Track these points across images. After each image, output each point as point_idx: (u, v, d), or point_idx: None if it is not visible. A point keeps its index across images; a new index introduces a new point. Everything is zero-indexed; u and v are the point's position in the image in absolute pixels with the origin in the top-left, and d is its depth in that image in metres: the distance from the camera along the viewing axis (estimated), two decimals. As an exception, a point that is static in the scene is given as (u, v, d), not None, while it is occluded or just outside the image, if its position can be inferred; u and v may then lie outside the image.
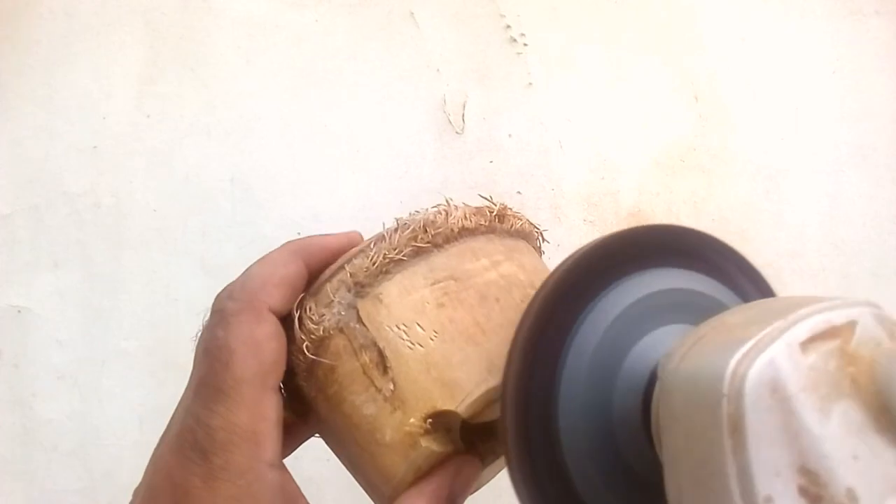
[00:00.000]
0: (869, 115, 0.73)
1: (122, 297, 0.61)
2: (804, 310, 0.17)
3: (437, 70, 0.68)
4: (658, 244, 0.25)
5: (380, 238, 0.27)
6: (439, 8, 0.69)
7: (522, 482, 0.23)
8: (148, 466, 0.25)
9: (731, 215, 0.69)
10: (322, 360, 0.27)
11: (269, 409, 0.25)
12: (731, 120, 0.72)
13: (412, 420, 0.25)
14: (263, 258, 0.27)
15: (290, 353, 0.27)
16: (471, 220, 0.28)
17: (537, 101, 0.69)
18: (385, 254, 0.27)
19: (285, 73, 0.67)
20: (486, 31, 0.70)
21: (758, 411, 0.16)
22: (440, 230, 0.28)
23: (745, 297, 0.26)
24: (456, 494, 0.26)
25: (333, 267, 0.27)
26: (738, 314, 0.20)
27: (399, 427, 0.25)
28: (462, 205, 0.29)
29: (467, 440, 0.28)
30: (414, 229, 0.27)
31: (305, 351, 0.27)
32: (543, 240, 0.33)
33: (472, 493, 0.31)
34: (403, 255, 0.27)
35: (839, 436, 0.16)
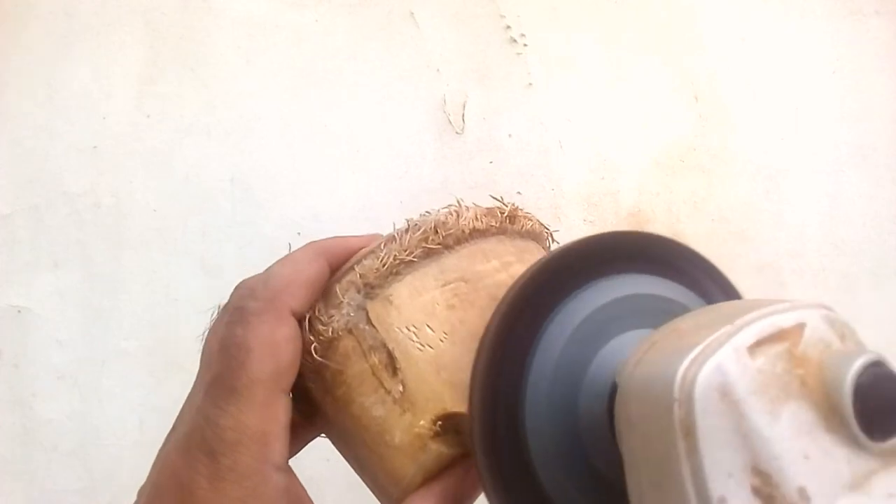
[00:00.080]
0: (869, 115, 0.73)
1: (122, 297, 0.61)
2: (752, 314, 0.18)
3: (437, 70, 0.68)
4: (625, 250, 0.26)
5: (390, 239, 0.27)
6: (439, 8, 0.69)
7: (490, 482, 0.23)
8: (153, 465, 0.25)
9: (731, 215, 0.69)
10: (330, 363, 0.27)
11: (280, 412, 0.24)
12: (731, 120, 0.72)
13: (422, 422, 0.25)
14: (287, 257, 0.27)
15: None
16: (482, 222, 0.28)
17: (537, 101, 0.69)
18: (395, 255, 0.27)
19: (285, 73, 0.67)
20: (486, 31, 0.70)
21: (708, 415, 0.16)
22: (451, 231, 0.27)
23: (710, 299, 0.26)
24: (465, 495, 0.26)
25: (344, 268, 0.27)
26: (690, 319, 0.20)
27: (408, 429, 0.25)
28: (473, 205, 0.29)
29: None
30: (425, 230, 0.27)
31: (313, 352, 0.27)
32: (553, 240, 0.33)
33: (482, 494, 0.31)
34: (414, 257, 0.27)
35: (789, 436, 0.16)
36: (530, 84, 0.70)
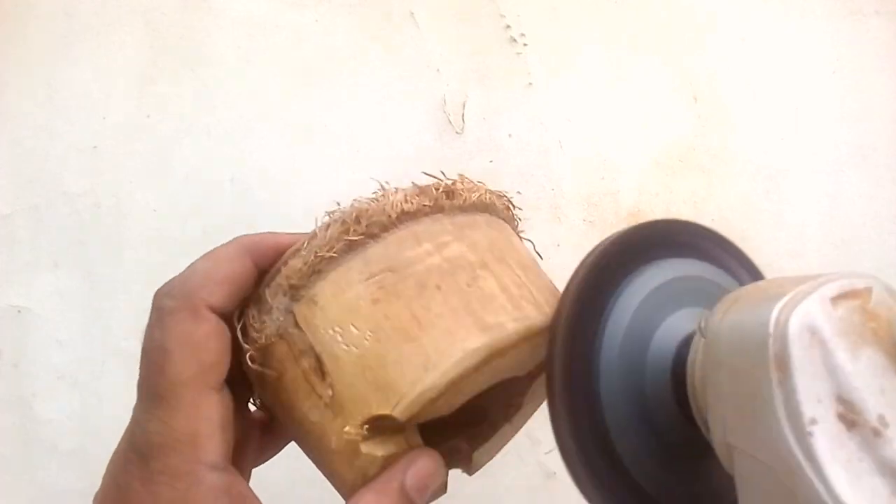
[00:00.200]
0: (869, 115, 0.73)
1: (122, 297, 0.61)
2: (829, 275, 0.21)
3: (437, 70, 0.68)
4: (664, 238, 0.28)
5: (312, 236, 0.26)
6: (439, 8, 0.69)
7: (579, 461, 0.24)
8: (104, 471, 0.25)
9: (731, 215, 0.69)
10: (267, 370, 0.26)
11: (210, 411, 0.24)
12: (731, 120, 0.72)
13: (347, 428, 0.24)
14: (209, 253, 0.27)
15: (242, 362, 0.26)
16: (411, 203, 0.26)
17: (537, 101, 0.69)
18: (316, 252, 0.25)
19: (285, 73, 0.67)
20: (486, 31, 0.70)
21: (801, 349, 0.19)
22: (374, 219, 0.26)
23: (740, 280, 0.30)
24: (411, 487, 0.25)
25: (272, 271, 0.26)
26: (770, 282, 0.24)
27: (341, 434, 0.25)
28: (411, 185, 0.27)
29: (430, 436, 0.27)
30: (345, 222, 0.26)
31: (250, 361, 0.26)
32: (513, 206, 0.31)
33: (473, 474, 0.31)
34: (335, 252, 0.25)
35: (868, 374, 0.19)
36: (530, 84, 0.70)
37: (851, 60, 0.74)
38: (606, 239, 0.27)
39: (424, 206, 0.27)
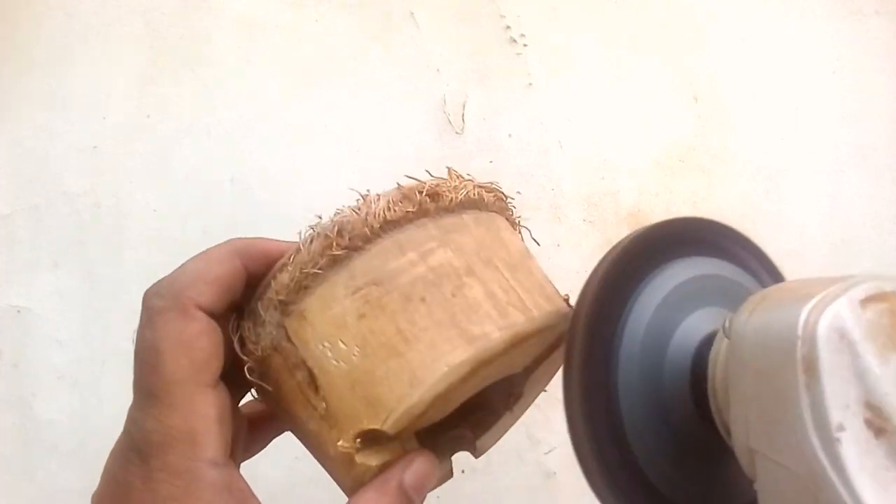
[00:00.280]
0: (869, 115, 0.73)
1: (122, 297, 0.61)
2: (857, 277, 0.20)
3: (437, 70, 0.68)
4: (683, 236, 0.28)
5: (297, 250, 0.26)
6: (439, 8, 0.69)
7: (594, 462, 0.24)
8: (103, 469, 0.25)
9: (731, 215, 0.69)
10: (265, 381, 0.26)
11: (205, 407, 0.24)
12: (731, 120, 0.72)
13: (340, 442, 0.25)
14: (200, 254, 0.27)
15: (242, 371, 0.26)
16: (394, 210, 0.26)
17: (537, 101, 0.69)
18: (301, 268, 0.25)
19: (285, 73, 0.67)
20: (486, 31, 0.70)
21: (830, 352, 0.18)
22: (357, 232, 0.25)
23: (758, 278, 0.30)
24: (409, 485, 0.25)
25: (263, 283, 0.26)
26: (797, 282, 0.24)
27: (336, 445, 0.25)
28: (397, 186, 0.27)
29: (426, 436, 0.28)
30: (327, 236, 0.25)
31: (248, 373, 0.26)
32: (506, 197, 0.30)
33: (479, 457, 0.31)
34: (319, 268, 0.25)
35: None
36: (530, 84, 0.70)
37: (851, 60, 0.74)
38: (627, 237, 0.27)
39: (408, 212, 0.26)
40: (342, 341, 0.25)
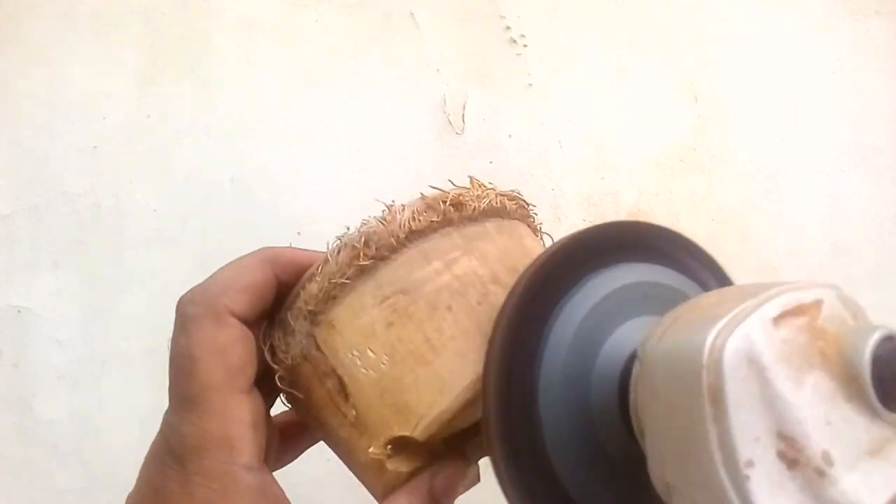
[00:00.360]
0: (869, 115, 0.73)
1: (122, 297, 0.61)
2: (774, 290, 0.18)
3: (437, 70, 0.68)
4: (623, 240, 0.26)
5: (324, 261, 0.26)
6: (439, 8, 0.69)
7: (506, 472, 0.23)
8: (139, 473, 0.26)
9: (731, 215, 0.69)
10: (296, 389, 0.27)
11: (241, 413, 0.24)
12: (731, 120, 0.72)
13: (372, 449, 0.25)
14: (232, 262, 0.27)
15: (273, 379, 0.27)
16: (419, 221, 0.26)
17: (537, 101, 0.69)
18: (329, 279, 0.26)
19: (285, 73, 0.67)
20: (486, 31, 0.70)
21: (736, 380, 0.17)
22: (383, 242, 0.26)
23: (706, 288, 0.27)
24: (439, 490, 0.26)
25: (293, 293, 0.27)
26: (712, 297, 0.21)
27: (366, 452, 0.25)
28: (420, 196, 0.27)
29: (453, 442, 0.28)
30: (354, 247, 0.26)
31: (279, 382, 0.27)
32: (528, 204, 0.31)
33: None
34: (347, 278, 0.26)
35: (813, 403, 0.17)
36: (530, 84, 0.70)
37: (851, 60, 0.74)
38: (564, 237, 0.26)
39: (432, 222, 0.26)
40: (371, 350, 0.25)
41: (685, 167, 0.70)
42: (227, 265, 0.27)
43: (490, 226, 0.28)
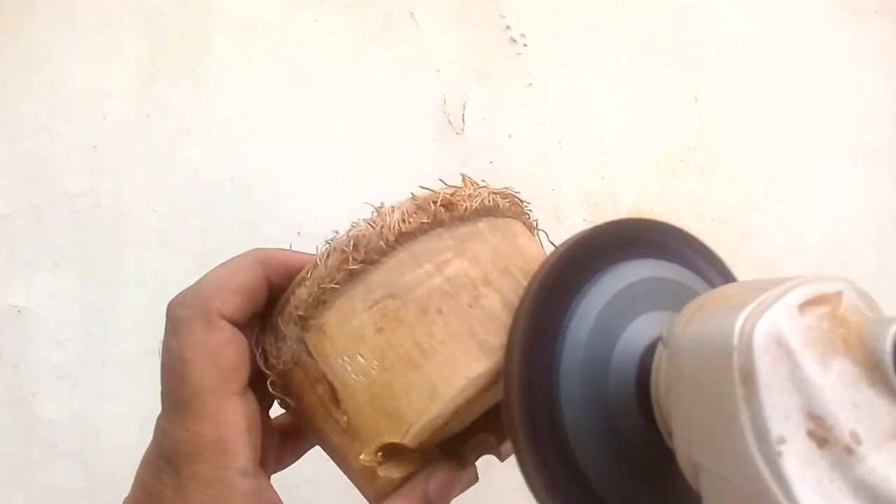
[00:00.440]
0: (869, 115, 0.73)
1: (122, 297, 0.61)
2: (796, 280, 0.19)
3: (437, 70, 0.68)
4: (628, 238, 0.27)
5: (314, 265, 0.26)
6: (439, 8, 0.69)
7: (534, 467, 0.23)
8: (134, 478, 0.26)
9: (731, 215, 0.69)
10: (287, 395, 0.27)
11: (234, 416, 0.24)
12: (731, 120, 0.72)
13: (362, 456, 0.25)
14: (223, 264, 0.27)
15: (266, 385, 0.27)
16: (409, 223, 0.26)
17: (537, 101, 0.69)
18: (319, 284, 0.25)
19: (285, 73, 0.67)
20: (486, 31, 0.70)
21: (767, 361, 0.18)
22: (372, 245, 0.25)
23: (709, 281, 0.28)
24: (433, 494, 0.26)
25: (283, 298, 0.26)
26: (734, 287, 0.22)
27: (358, 458, 0.25)
28: (411, 197, 0.27)
29: (448, 445, 0.28)
30: (343, 251, 0.25)
31: (271, 387, 0.26)
32: (522, 202, 0.30)
33: (504, 461, 0.31)
34: (337, 283, 0.25)
35: (839, 386, 0.17)
36: (530, 84, 0.70)
37: (851, 60, 0.74)
38: (571, 237, 0.26)
39: (423, 223, 0.26)
40: (361, 355, 0.25)
41: (685, 167, 0.70)
42: (217, 267, 0.27)
43: (482, 225, 0.28)
